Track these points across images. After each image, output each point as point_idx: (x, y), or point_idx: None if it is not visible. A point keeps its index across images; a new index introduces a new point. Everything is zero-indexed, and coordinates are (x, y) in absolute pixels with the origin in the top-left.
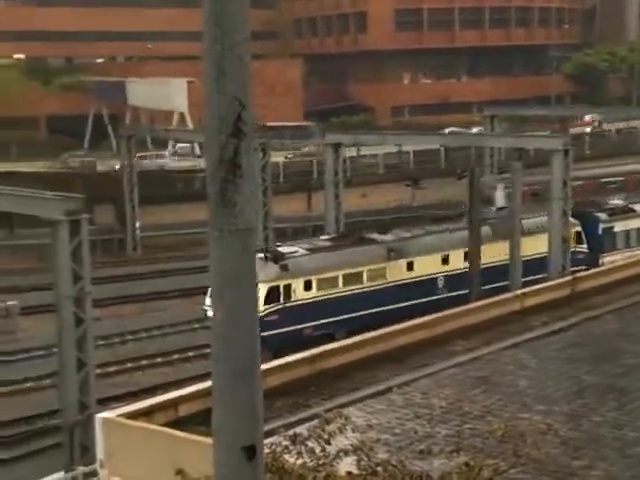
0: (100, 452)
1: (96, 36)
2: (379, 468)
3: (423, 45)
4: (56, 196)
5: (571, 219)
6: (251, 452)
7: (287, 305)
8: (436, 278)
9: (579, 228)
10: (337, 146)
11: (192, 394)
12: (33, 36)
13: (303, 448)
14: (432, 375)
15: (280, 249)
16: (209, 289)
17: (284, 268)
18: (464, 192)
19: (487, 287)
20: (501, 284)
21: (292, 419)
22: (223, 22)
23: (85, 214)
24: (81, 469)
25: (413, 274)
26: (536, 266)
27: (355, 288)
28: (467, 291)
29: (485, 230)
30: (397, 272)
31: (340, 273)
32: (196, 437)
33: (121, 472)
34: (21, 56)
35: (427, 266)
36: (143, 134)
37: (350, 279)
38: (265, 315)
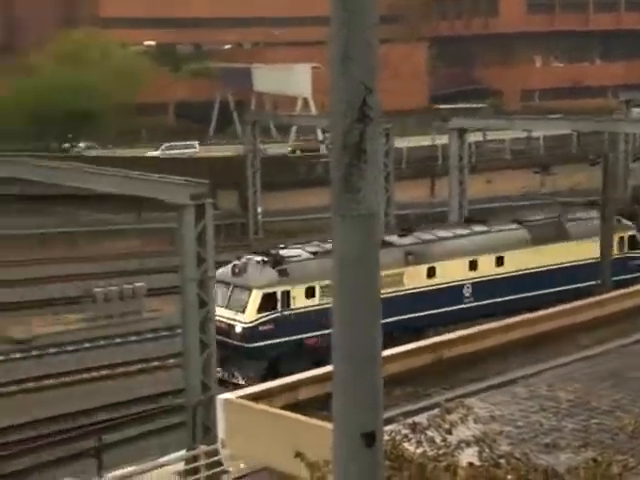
0: (221, 432)
1: (224, 23)
2: (502, 460)
3: (555, 28)
4: (183, 181)
5: (626, 221)
6: (371, 439)
7: (285, 314)
8: (462, 285)
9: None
10: (462, 131)
11: (312, 378)
12: (163, 23)
13: (423, 437)
14: (559, 367)
15: (281, 252)
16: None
17: (282, 273)
18: (598, 178)
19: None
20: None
21: (411, 407)
22: (351, 6)
23: (210, 199)
24: (203, 448)
25: (435, 281)
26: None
27: None
28: (497, 299)
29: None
30: (416, 278)
31: None
32: (316, 421)
33: (241, 452)
34: (152, 43)
35: (451, 272)
36: (267, 120)
37: None
38: (259, 324)
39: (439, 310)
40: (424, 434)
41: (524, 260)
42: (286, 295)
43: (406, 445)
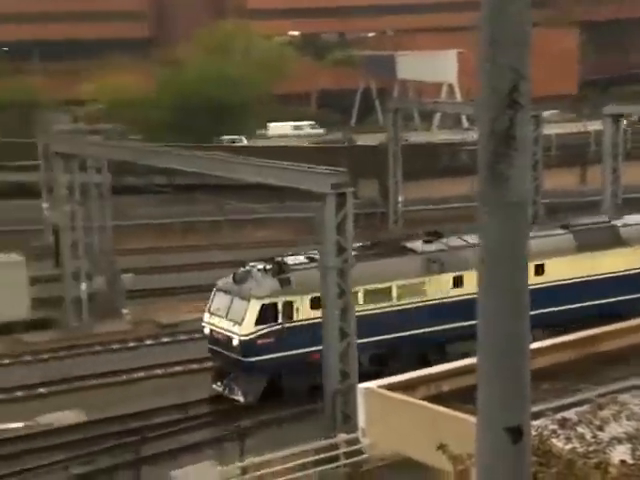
0: (361, 421)
1: (368, 11)
2: None
3: None
4: (325, 170)
5: None
6: (517, 434)
7: (287, 326)
8: None
9: None
10: (617, 117)
11: (454, 370)
12: (307, 13)
13: (572, 433)
14: None
15: (287, 260)
16: (209, 303)
17: (285, 282)
18: None
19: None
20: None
21: (560, 403)
22: None
23: (351, 188)
24: (343, 436)
25: (462, 291)
26: None
27: (380, 306)
28: (535, 311)
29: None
30: (440, 288)
31: (360, 288)
32: (458, 414)
33: (381, 442)
34: (296, 33)
35: None
36: (410, 107)
37: (374, 296)
38: (257, 337)
39: (466, 323)
40: (574, 430)
41: (568, 268)
42: (289, 306)
43: (554, 441)
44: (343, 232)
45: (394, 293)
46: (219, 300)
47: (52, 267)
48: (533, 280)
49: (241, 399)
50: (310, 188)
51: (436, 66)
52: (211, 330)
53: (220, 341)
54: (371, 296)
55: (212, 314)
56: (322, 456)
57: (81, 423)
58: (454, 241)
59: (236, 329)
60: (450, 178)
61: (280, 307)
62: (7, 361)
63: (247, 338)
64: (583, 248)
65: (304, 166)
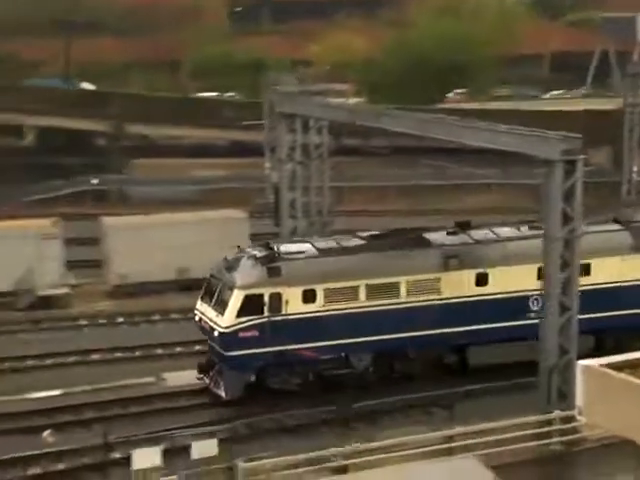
0: (579, 399)
1: None
2: None
3: None
4: (555, 136)
5: None
6: None
7: (274, 319)
8: (527, 297)
9: None
10: None
11: None
12: None
13: None
14: None
15: (283, 247)
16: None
17: (273, 272)
18: None
19: None
20: None
21: None
22: None
23: (582, 155)
24: (557, 412)
25: (487, 290)
26: None
27: (385, 303)
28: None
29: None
30: (459, 286)
31: (362, 283)
32: None
33: (599, 422)
34: None
35: (512, 280)
36: None
37: (378, 292)
38: (238, 330)
39: (489, 325)
40: None
41: (620, 270)
42: (277, 298)
43: None
44: (570, 201)
45: (402, 289)
46: (209, 286)
47: (272, 225)
48: (536, 285)
49: (222, 394)
50: (537, 154)
51: None
52: (199, 318)
53: (206, 331)
54: (375, 292)
55: (202, 301)
56: (535, 431)
57: None
58: (481, 234)
59: (219, 320)
60: None
61: (266, 299)
62: None
63: (228, 330)
64: None
65: (532, 131)
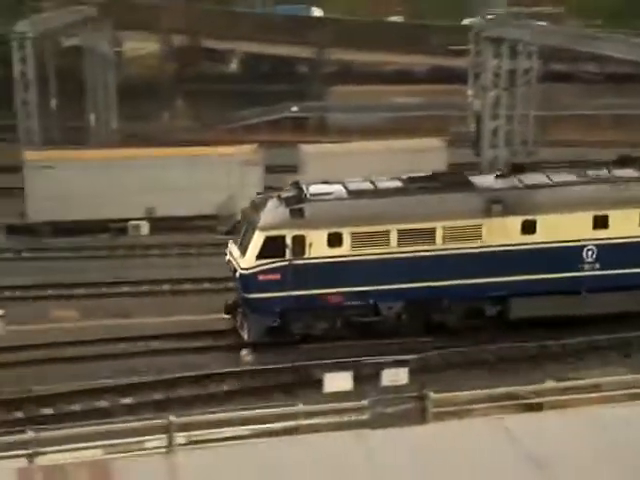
0: None
1: None
2: None
3: None
4: None
5: None
6: None
7: (296, 262)
8: (581, 247)
9: None
10: None
11: None
12: None
13: None
14: None
15: (313, 188)
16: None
17: (296, 214)
18: None
19: None
20: None
21: None
22: None
23: None
24: None
25: (534, 238)
26: None
27: (419, 250)
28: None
29: None
30: (503, 234)
31: (393, 228)
32: None
33: None
34: None
35: (563, 229)
36: None
37: (411, 237)
38: (258, 272)
39: (534, 276)
40: None
41: None
42: (300, 241)
43: None
44: None
45: (438, 236)
46: (239, 226)
47: (471, 155)
48: (592, 234)
49: (245, 336)
50: None
51: None
52: (228, 259)
53: (232, 271)
54: (408, 237)
55: (232, 241)
56: None
57: None
58: (534, 178)
59: (240, 261)
60: None
61: (288, 241)
62: None
63: (247, 272)
64: None
65: None
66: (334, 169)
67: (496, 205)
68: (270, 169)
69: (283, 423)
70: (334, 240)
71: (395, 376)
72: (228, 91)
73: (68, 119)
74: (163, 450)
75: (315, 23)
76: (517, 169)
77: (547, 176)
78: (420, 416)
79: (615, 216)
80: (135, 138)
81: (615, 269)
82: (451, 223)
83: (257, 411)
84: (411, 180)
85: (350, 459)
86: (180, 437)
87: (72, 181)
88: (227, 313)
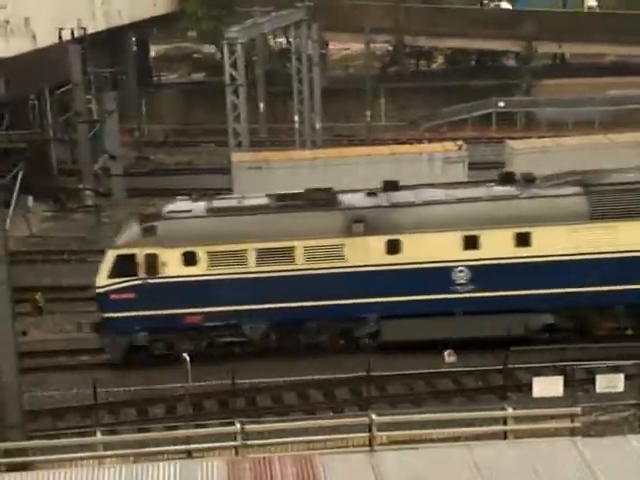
0: None
1: None
2: None
3: None
4: None
5: None
6: None
7: (151, 282)
8: (450, 268)
9: None
10: None
11: None
12: None
13: None
14: None
15: (173, 205)
16: None
17: (148, 232)
18: None
19: None
20: None
21: None
22: None
23: None
24: None
25: (399, 259)
26: None
27: (279, 269)
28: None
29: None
30: (367, 253)
31: (252, 246)
32: None
33: None
34: None
35: (430, 249)
36: None
37: (270, 257)
38: (110, 292)
39: (406, 298)
40: None
41: (568, 241)
42: (152, 259)
43: None
44: None
45: (298, 255)
46: None
47: None
48: (513, 253)
49: (109, 355)
50: None
51: None
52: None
53: None
54: (267, 256)
55: None
56: None
57: None
58: (405, 196)
59: (95, 279)
60: None
61: (140, 260)
62: None
63: (101, 291)
64: (599, 216)
65: None
66: (543, 165)
67: (357, 224)
68: (476, 166)
69: (490, 427)
70: (189, 259)
71: (610, 382)
72: (432, 88)
73: (274, 121)
74: (366, 448)
75: (522, 16)
76: (389, 186)
77: (416, 194)
78: (639, 425)
79: (487, 236)
80: (339, 138)
81: (490, 291)
82: (312, 242)
83: (463, 414)
84: (278, 198)
85: (565, 466)
86: (382, 435)
87: (279, 181)
88: (95, 331)
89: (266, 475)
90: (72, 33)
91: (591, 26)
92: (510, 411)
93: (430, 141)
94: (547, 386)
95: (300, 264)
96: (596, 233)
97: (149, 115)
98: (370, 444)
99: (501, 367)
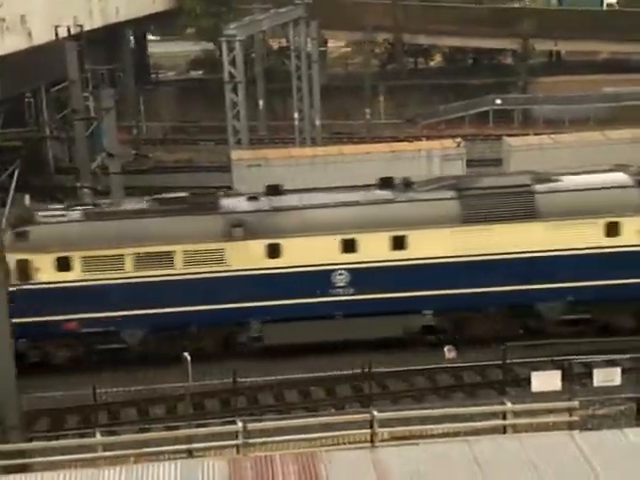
0: None
1: None
2: None
3: None
4: None
5: None
6: None
7: (24, 288)
8: (330, 272)
9: None
10: None
11: None
12: None
13: None
14: None
15: (49, 210)
16: None
17: (20, 237)
18: None
19: None
20: None
21: None
22: None
23: None
24: None
25: (280, 263)
26: None
27: (157, 274)
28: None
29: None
30: (247, 257)
31: (128, 251)
32: None
33: None
34: None
35: (309, 253)
36: None
37: (148, 261)
38: None
39: (287, 301)
40: None
41: (443, 244)
42: (24, 265)
43: None
44: None
45: (178, 260)
46: None
47: None
48: (390, 256)
49: None
50: None
51: None
52: None
53: None
54: (144, 261)
55: None
56: None
57: None
58: (284, 200)
59: None
60: None
61: (12, 266)
62: None
63: None
64: (472, 219)
65: None
66: (540, 162)
67: (237, 228)
68: (473, 163)
69: (489, 422)
70: (63, 264)
71: (607, 376)
72: (430, 86)
73: (274, 118)
74: (367, 444)
75: (519, 14)
76: (271, 191)
77: (300, 198)
78: (636, 418)
79: (364, 240)
80: (339, 135)
81: (369, 294)
82: (191, 247)
83: (464, 409)
84: (160, 202)
85: (563, 459)
86: (383, 431)
87: (278, 179)
88: None
89: (268, 473)
90: (68, 30)
91: (587, 23)
92: (509, 406)
93: (428, 139)
94: (545, 380)
95: (179, 269)
96: (469, 236)
97: (147, 113)
98: (372, 440)
99: (500, 362)
